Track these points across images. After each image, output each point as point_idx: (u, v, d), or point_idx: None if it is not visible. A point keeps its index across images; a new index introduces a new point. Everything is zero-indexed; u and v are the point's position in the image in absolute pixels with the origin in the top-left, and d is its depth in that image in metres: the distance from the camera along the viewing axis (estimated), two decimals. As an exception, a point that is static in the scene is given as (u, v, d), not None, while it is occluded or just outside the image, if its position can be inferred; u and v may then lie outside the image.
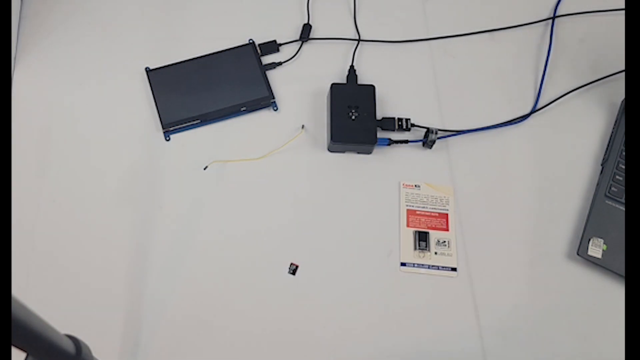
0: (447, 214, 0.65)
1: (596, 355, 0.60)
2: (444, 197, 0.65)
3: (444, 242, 0.63)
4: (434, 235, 0.64)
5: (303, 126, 0.68)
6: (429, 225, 0.64)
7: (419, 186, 0.65)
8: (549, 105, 0.71)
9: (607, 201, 0.65)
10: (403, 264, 0.62)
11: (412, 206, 0.65)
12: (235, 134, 0.67)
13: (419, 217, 0.64)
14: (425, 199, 0.65)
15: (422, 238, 0.63)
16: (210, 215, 0.63)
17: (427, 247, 0.63)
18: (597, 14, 0.77)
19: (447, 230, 0.64)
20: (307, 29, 0.73)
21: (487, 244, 0.64)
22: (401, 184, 0.66)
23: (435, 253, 0.63)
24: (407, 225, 0.64)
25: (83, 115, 0.67)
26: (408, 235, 0.64)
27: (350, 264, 0.62)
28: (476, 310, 0.61)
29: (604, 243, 0.63)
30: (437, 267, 0.62)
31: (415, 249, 0.63)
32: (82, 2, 0.72)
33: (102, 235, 0.61)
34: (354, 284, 0.61)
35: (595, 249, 0.63)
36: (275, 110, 0.69)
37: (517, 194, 0.67)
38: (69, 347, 0.37)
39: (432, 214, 0.65)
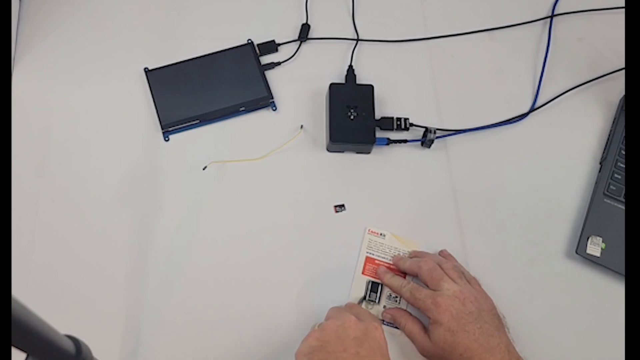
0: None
1: (596, 353, 0.60)
2: (408, 251, 0.63)
3: (396, 298, 0.60)
4: (387, 289, 0.60)
5: (302, 126, 0.68)
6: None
7: (384, 235, 0.63)
8: (548, 104, 0.71)
9: (605, 200, 0.65)
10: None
11: (373, 254, 0.62)
12: (234, 134, 0.67)
13: (376, 266, 0.61)
14: (387, 250, 0.62)
15: (373, 289, 0.60)
16: (209, 215, 0.63)
17: (376, 300, 0.60)
18: (596, 13, 0.77)
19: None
20: (305, 28, 0.73)
21: (485, 242, 0.64)
22: (367, 230, 0.63)
23: (384, 307, 0.60)
24: (363, 273, 0.61)
25: (82, 116, 0.67)
26: (360, 283, 0.61)
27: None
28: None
29: (602, 241, 0.63)
30: (383, 321, 0.59)
31: (364, 298, 0.60)
32: (82, 2, 0.72)
33: (102, 235, 0.61)
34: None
35: (594, 248, 0.63)
36: (274, 110, 0.69)
37: (516, 192, 0.67)
38: (69, 347, 0.37)
39: (392, 266, 0.62)
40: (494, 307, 0.56)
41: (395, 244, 0.63)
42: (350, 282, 0.61)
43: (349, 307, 0.56)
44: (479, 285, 0.58)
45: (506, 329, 0.55)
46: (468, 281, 0.57)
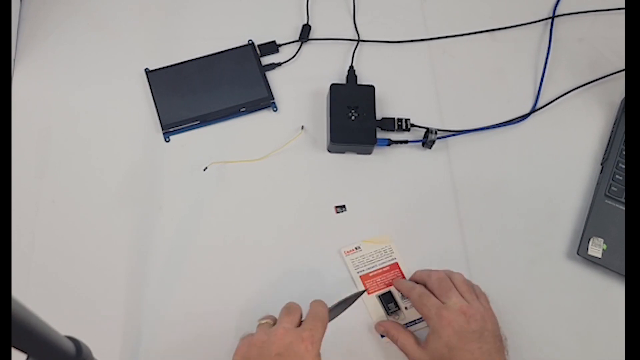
0: (396, 263, 0.62)
1: (596, 354, 0.60)
2: (386, 246, 0.62)
3: None
4: (397, 291, 0.60)
5: (303, 127, 0.68)
6: (387, 283, 0.61)
7: (359, 247, 0.62)
8: (549, 105, 0.71)
9: (607, 201, 0.65)
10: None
11: (363, 271, 0.61)
12: (235, 134, 0.67)
13: (373, 279, 0.61)
14: (370, 258, 0.62)
15: (388, 300, 0.60)
16: (210, 216, 0.63)
17: (397, 307, 0.60)
18: (596, 14, 0.77)
19: (404, 279, 0.61)
20: (306, 29, 0.73)
21: (486, 243, 0.64)
22: (342, 252, 0.62)
23: (406, 308, 0.59)
24: (368, 293, 0.60)
25: (83, 116, 0.66)
26: (374, 303, 0.60)
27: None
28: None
29: (604, 242, 0.63)
30: (414, 322, 0.59)
31: (387, 314, 0.59)
32: (82, 2, 0.72)
33: (102, 236, 0.61)
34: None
35: (595, 249, 0.63)
36: (274, 111, 0.69)
37: (517, 193, 0.67)
38: (70, 348, 0.37)
39: (384, 269, 0.61)
40: (498, 328, 0.54)
41: (373, 248, 0.62)
42: (364, 306, 0.60)
43: (312, 305, 0.53)
44: (488, 302, 0.56)
45: (506, 352, 0.54)
46: (477, 297, 0.56)
